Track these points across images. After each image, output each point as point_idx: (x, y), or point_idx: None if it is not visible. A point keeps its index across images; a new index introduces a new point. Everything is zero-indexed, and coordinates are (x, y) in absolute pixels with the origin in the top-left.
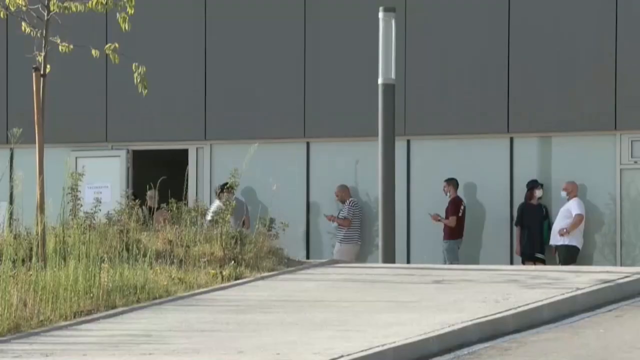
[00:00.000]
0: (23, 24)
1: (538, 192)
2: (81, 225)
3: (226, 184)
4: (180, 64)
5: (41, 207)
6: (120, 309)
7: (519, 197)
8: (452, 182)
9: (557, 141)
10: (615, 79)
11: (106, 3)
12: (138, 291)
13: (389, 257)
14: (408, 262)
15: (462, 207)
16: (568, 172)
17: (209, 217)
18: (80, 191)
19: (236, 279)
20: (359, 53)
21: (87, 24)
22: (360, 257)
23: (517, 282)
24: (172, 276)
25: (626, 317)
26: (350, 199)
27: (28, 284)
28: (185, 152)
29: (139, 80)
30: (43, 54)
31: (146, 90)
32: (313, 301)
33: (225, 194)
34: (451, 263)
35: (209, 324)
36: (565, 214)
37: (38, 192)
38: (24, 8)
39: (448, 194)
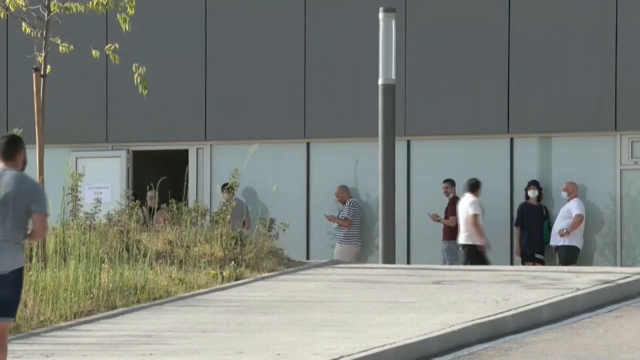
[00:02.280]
0: (23, 24)
1: (531, 193)
2: (81, 225)
3: (226, 184)
4: (180, 64)
5: None
6: (120, 310)
7: (519, 198)
8: (453, 183)
9: (557, 141)
10: (615, 79)
11: (106, 3)
12: (138, 292)
13: (389, 257)
14: (408, 262)
15: None
16: (568, 173)
17: None
18: (80, 191)
19: (236, 279)
20: (359, 53)
21: (87, 24)
22: (360, 257)
23: (517, 283)
24: (172, 277)
25: (626, 317)
26: (350, 199)
27: (28, 285)
28: (185, 152)
29: (139, 81)
30: (43, 54)
31: (146, 91)
32: (313, 301)
33: (225, 194)
34: (451, 264)
35: (209, 324)
36: (565, 214)
37: None
38: (24, 8)
39: (450, 195)
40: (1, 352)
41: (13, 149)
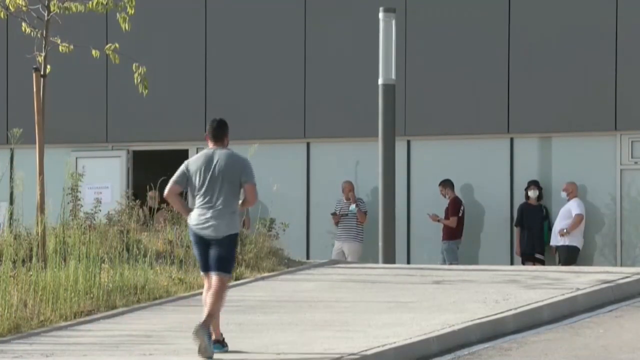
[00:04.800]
0: (23, 24)
1: (531, 193)
2: (81, 225)
3: None
4: (180, 64)
5: (41, 208)
6: (120, 309)
7: (519, 198)
8: (448, 184)
9: (557, 141)
10: (615, 79)
11: (106, 3)
12: (138, 291)
13: (389, 257)
14: (408, 262)
15: (462, 208)
16: (568, 173)
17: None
18: (80, 191)
19: (236, 279)
20: (359, 53)
21: (87, 24)
22: (361, 256)
23: (517, 283)
24: (173, 276)
25: (626, 317)
26: (356, 197)
27: (28, 285)
28: (185, 152)
29: (139, 81)
30: (43, 54)
31: (146, 91)
32: (313, 301)
33: None
34: (450, 264)
35: None
36: (565, 214)
37: (38, 193)
38: (24, 8)
39: (446, 196)
40: (220, 301)
41: (222, 133)
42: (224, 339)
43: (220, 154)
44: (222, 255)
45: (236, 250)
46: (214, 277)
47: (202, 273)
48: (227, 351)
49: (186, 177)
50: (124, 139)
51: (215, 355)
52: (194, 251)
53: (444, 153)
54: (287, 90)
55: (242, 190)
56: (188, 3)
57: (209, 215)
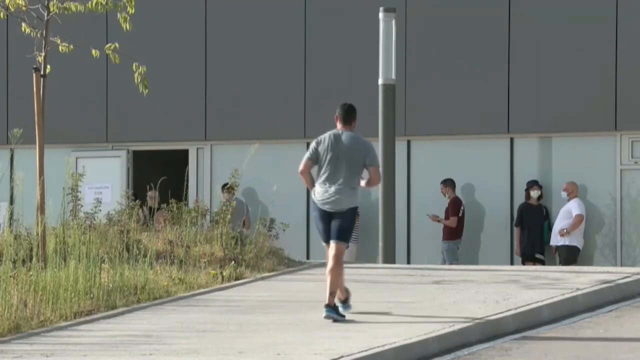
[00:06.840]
0: (23, 24)
1: (533, 193)
2: (81, 225)
3: (226, 184)
4: (180, 64)
5: (41, 208)
6: (120, 310)
7: (519, 198)
8: (449, 183)
9: (557, 141)
10: (615, 79)
11: (106, 3)
12: (138, 291)
13: (389, 257)
14: (408, 262)
15: (462, 208)
16: (568, 173)
17: None
18: (80, 191)
19: (236, 279)
20: (359, 53)
21: (87, 24)
22: (360, 257)
23: (517, 283)
24: (173, 276)
25: (626, 317)
26: None
27: (28, 285)
28: (185, 152)
29: (139, 80)
30: (43, 54)
31: (147, 90)
32: (313, 301)
33: (225, 194)
34: (451, 264)
35: (209, 324)
36: (565, 214)
37: (38, 193)
38: (24, 8)
39: (447, 195)
40: (339, 267)
41: (350, 117)
42: (347, 298)
43: (346, 136)
44: (343, 226)
45: (355, 223)
46: (333, 244)
47: (323, 243)
48: (349, 311)
49: (317, 154)
50: (124, 139)
51: (216, 356)
52: (316, 224)
53: (444, 153)
54: (287, 90)
55: (364, 171)
56: (188, 3)
57: (332, 191)
